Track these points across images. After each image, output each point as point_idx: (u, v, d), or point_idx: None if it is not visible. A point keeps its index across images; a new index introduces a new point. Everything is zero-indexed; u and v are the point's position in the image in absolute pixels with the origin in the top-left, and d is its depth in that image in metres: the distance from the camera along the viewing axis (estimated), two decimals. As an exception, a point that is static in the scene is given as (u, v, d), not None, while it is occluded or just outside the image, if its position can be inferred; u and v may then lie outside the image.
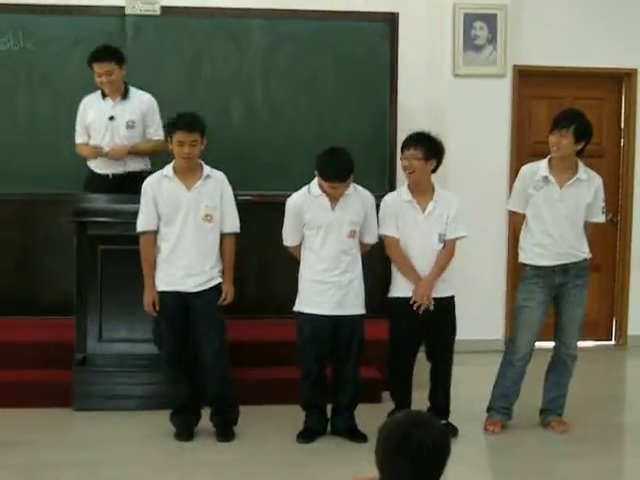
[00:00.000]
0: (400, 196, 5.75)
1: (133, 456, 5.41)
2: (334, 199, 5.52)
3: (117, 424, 5.94)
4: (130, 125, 6.70)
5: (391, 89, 7.46)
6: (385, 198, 5.85)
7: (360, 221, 5.62)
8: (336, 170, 5.45)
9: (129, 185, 6.42)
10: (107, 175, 6.73)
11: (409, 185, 5.71)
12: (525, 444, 5.78)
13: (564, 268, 5.76)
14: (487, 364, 6.15)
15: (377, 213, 5.74)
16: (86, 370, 6.20)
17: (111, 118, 6.69)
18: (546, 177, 5.74)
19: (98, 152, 6.65)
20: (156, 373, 6.04)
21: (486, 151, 7.87)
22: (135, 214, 5.63)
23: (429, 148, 5.62)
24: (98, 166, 6.76)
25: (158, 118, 6.72)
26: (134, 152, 6.72)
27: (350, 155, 5.51)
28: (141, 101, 6.75)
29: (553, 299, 5.86)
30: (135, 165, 6.76)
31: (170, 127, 5.57)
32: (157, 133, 6.68)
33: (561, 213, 5.73)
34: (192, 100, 7.13)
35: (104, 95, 6.70)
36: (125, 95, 6.71)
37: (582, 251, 5.82)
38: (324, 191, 5.52)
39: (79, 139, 6.82)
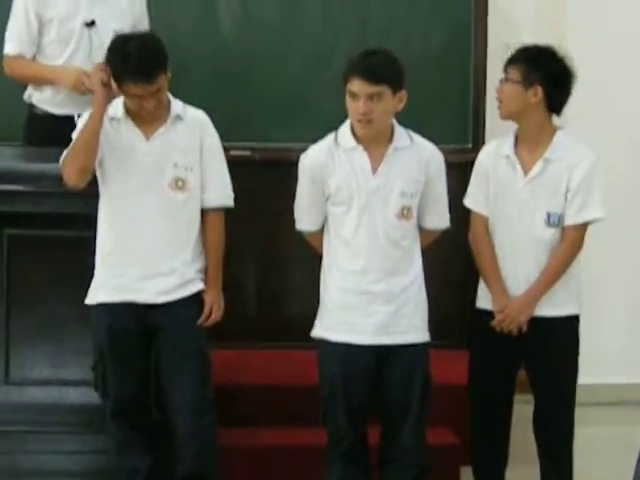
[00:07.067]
0: (499, 148, 4.54)
1: None
2: (364, 124, 4.18)
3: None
4: None
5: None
6: (481, 152, 4.77)
7: (418, 192, 4.38)
8: (366, 64, 4.19)
9: None
10: (71, 117, 4.99)
11: (517, 133, 4.56)
12: None
13: None
14: (630, 424, 5.27)
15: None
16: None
17: (91, 24, 5.06)
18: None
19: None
20: (96, 436, 4.79)
21: (626, 81, 6.09)
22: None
23: (533, 67, 4.39)
24: (58, 104, 5.17)
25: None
26: None
27: (397, 59, 4.25)
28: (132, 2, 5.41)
29: None
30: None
31: None
32: None
33: None
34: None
35: None
36: None
37: None
38: (355, 135, 4.21)
39: (19, 48, 5.11)
